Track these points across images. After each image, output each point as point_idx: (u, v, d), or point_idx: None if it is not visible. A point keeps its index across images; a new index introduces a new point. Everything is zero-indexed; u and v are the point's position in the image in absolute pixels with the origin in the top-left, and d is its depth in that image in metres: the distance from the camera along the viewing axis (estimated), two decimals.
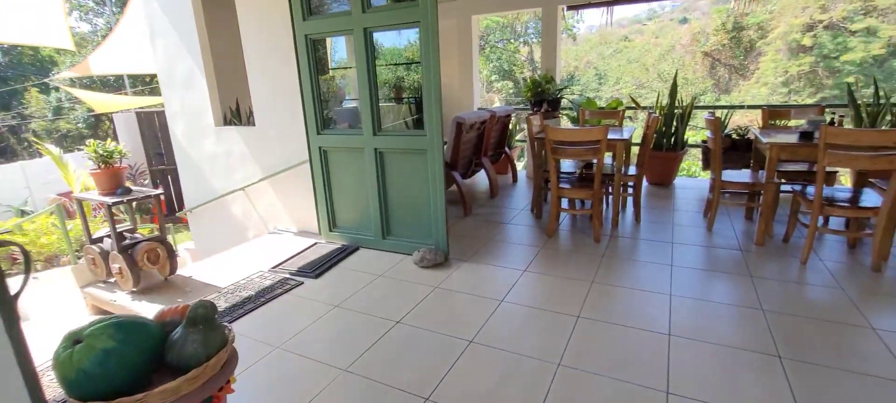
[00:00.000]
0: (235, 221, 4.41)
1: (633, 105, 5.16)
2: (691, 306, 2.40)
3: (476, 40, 6.06)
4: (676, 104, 4.78)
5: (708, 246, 3.21)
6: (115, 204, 3.06)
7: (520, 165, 6.91)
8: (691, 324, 2.23)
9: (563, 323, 2.29)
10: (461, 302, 2.58)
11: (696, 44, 20.92)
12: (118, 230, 3.14)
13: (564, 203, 4.24)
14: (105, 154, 3.12)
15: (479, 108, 6.33)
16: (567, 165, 4.73)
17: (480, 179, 5.59)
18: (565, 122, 5.73)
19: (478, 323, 2.34)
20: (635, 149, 4.75)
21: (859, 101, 4.14)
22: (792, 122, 3.95)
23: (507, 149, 5.39)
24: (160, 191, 3.44)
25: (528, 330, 2.26)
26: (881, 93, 4.05)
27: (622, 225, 3.74)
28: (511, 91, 19.94)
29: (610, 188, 4.09)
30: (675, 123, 4.76)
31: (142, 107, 10.47)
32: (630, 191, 3.92)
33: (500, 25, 20.60)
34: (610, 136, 3.40)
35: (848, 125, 4.23)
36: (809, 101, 17.61)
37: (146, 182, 10.18)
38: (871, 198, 2.84)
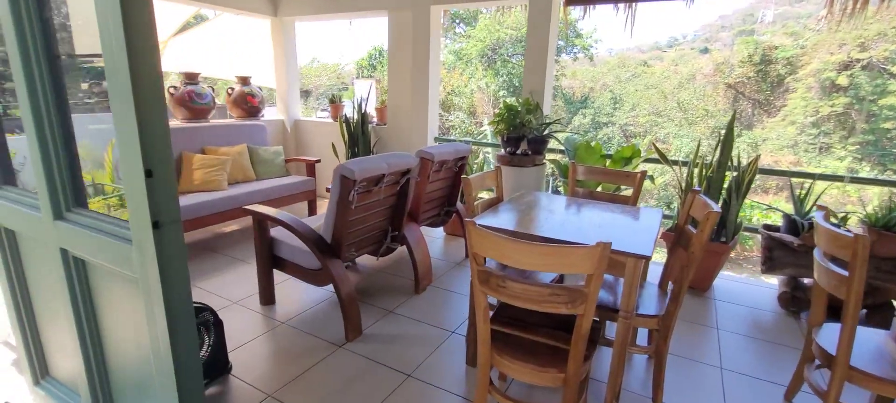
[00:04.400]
0: None
1: (656, 156, 3.33)
2: None
3: (436, 42, 4.29)
4: (730, 163, 2.93)
5: None
6: None
7: None
8: None
9: None
10: None
11: (719, 74, 19.29)
12: None
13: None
14: None
15: (436, 141, 4.55)
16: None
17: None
18: (547, 183, 3.87)
19: None
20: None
21: None
22: None
23: (460, 205, 3.57)
24: None
25: None
26: None
27: None
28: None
29: (601, 328, 2.28)
30: (724, 194, 2.93)
31: None
32: (644, 342, 2.09)
33: (511, 38, 19.02)
34: (615, 248, 1.57)
35: None
36: (846, 149, 15.73)
37: None
38: None
